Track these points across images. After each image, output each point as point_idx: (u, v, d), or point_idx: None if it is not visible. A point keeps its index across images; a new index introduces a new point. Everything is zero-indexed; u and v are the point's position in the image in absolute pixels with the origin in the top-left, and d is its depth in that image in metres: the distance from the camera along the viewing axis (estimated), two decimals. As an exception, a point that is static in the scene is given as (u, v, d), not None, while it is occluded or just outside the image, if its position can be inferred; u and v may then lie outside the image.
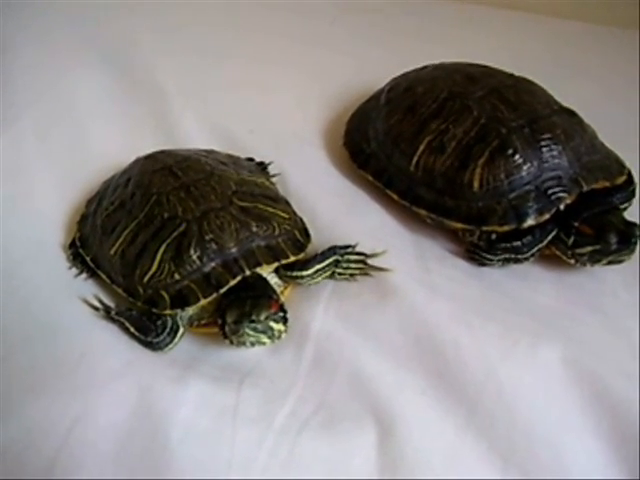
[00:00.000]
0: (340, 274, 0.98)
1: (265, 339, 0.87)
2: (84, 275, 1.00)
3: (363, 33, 1.49)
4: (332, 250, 0.97)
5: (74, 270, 1.01)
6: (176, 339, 0.91)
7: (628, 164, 1.02)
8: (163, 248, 0.92)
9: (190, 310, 0.91)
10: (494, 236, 0.98)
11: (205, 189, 0.96)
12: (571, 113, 1.03)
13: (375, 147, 1.10)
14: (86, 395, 0.85)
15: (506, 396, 0.85)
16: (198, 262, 0.90)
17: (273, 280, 0.94)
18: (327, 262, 0.96)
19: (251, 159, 1.13)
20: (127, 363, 0.89)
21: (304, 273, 0.95)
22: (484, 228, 0.98)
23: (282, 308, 0.88)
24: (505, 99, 1.02)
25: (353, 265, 0.98)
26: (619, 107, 1.24)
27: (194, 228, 0.92)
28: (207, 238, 0.91)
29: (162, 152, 1.06)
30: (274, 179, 1.11)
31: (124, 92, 1.30)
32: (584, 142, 1.00)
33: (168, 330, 0.91)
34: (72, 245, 1.03)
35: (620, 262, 0.95)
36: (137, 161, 1.06)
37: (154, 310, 0.91)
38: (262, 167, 1.13)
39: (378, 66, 1.26)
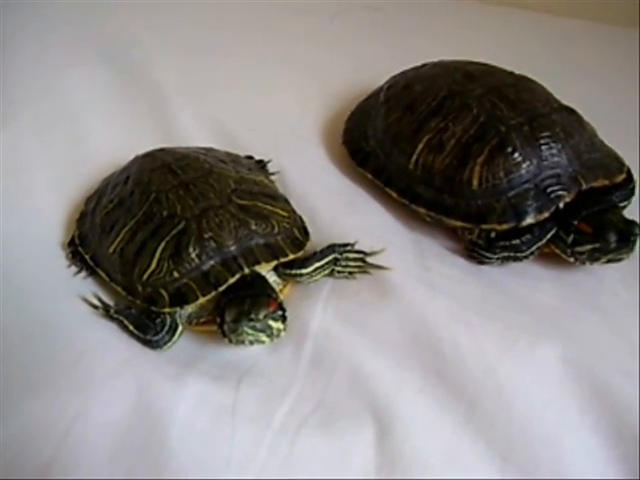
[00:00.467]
0: (339, 272, 0.98)
1: (264, 338, 0.86)
2: (83, 273, 1.00)
3: (363, 31, 1.49)
4: (331, 248, 0.97)
5: (73, 268, 1.01)
6: (175, 337, 0.91)
7: (627, 162, 1.02)
8: (162, 246, 0.92)
9: (189, 308, 0.91)
10: (493, 234, 0.98)
11: (204, 187, 0.96)
12: (571, 111, 1.03)
13: (374, 145, 1.10)
14: (85, 393, 0.86)
15: (505, 394, 0.85)
16: (197, 260, 0.90)
17: (272, 278, 0.94)
18: (326, 260, 0.96)
19: (250, 157, 1.13)
20: (126, 361, 0.89)
21: (303, 271, 0.95)
22: (483, 226, 0.98)
23: (281, 307, 0.88)
24: (504, 97, 1.02)
25: (352, 263, 0.98)
26: (619, 105, 1.25)
27: (193, 226, 0.92)
28: (206, 236, 0.91)
29: (161, 150, 1.06)
30: (273, 177, 1.11)
31: (123, 90, 1.31)
32: (583, 140, 1.00)
33: (167, 328, 0.91)
34: (71, 243, 1.03)
35: (619, 260, 0.95)
36: (136, 159, 1.06)
37: (153, 308, 0.90)
38: (261, 165, 1.13)
39: (377, 64, 1.26)
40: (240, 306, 0.86)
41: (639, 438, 0.82)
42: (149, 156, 1.05)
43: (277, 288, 0.94)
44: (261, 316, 0.85)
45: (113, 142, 1.19)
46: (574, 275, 0.99)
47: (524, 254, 0.98)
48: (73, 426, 0.82)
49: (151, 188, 0.97)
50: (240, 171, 1.02)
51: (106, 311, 0.94)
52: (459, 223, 1.00)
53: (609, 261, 0.95)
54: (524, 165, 0.97)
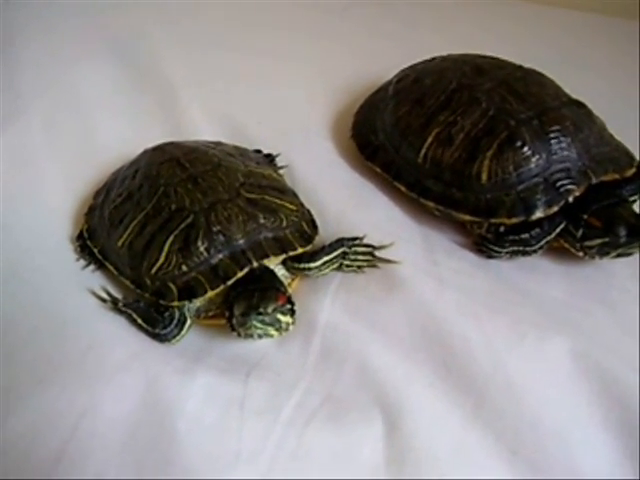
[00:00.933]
0: (348, 266, 0.98)
1: (273, 331, 0.86)
2: (92, 267, 1.00)
3: (371, 25, 1.48)
4: (340, 242, 0.97)
5: (81, 262, 1.01)
6: (183, 331, 0.91)
7: (638, 156, 1.01)
8: (171, 240, 0.92)
9: (197, 302, 0.91)
10: (502, 228, 0.98)
11: (212, 181, 0.96)
12: (580, 105, 1.02)
13: (383, 139, 1.10)
14: (93, 387, 0.86)
15: (514, 389, 0.85)
16: (205, 254, 0.90)
17: (280, 272, 0.94)
18: (335, 254, 0.96)
19: (259, 151, 1.13)
20: (134, 355, 0.89)
21: (312, 265, 0.95)
22: (492, 220, 0.97)
23: (290, 300, 0.88)
24: (514, 91, 1.02)
25: (361, 257, 0.98)
26: (628, 99, 1.24)
27: (202, 220, 0.91)
28: (215, 230, 0.91)
29: (170, 144, 1.06)
30: (281, 171, 1.11)
31: (132, 84, 1.30)
32: (593, 134, 1.00)
33: (175, 322, 0.91)
34: (80, 237, 1.03)
35: (629, 255, 0.94)
36: (145, 152, 1.06)
37: (162, 302, 0.90)
38: (270, 159, 1.13)
39: (386, 58, 1.25)
40: (249, 300, 0.86)
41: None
42: (158, 150, 1.05)
43: (286, 282, 0.93)
44: (270, 310, 0.85)
45: (122, 136, 1.19)
46: (583, 269, 0.98)
47: (533, 248, 0.97)
48: (82, 420, 0.83)
49: (160, 181, 0.97)
50: (248, 165, 1.02)
51: (114, 304, 0.94)
52: (468, 217, 0.99)
53: (619, 255, 0.94)
54: (533, 159, 0.96)
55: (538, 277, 0.98)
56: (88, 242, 1.01)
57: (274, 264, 0.93)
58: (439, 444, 0.82)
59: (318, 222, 1.00)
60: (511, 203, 0.96)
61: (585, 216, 0.95)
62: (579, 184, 0.95)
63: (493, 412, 0.84)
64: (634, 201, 0.99)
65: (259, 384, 0.87)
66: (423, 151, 1.03)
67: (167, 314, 0.91)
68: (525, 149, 0.96)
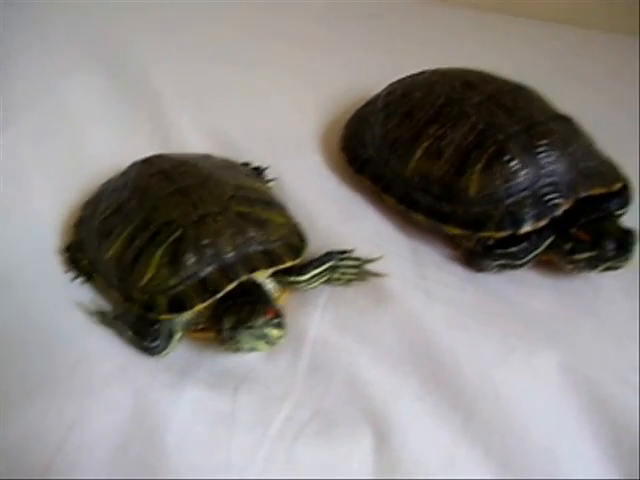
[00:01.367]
0: (337, 280, 0.97)
1: (262, 345, 0.86)
2: (80, 279, 0.99)
3: (361, 38, 1.48)
4: (329, 255, 0.97)
5: (70, 274, 1.00)
6: (172, 344, 0.91)
7: (625, 170, 1.02)
8: (160, 253, 0.91)
9: (187, 315, 0.90)
10: (491, 242, 0.98)
11: (202, 194, 0.95)
12: (568, 119, 1.03)
13: (372, 152, 1.10)
14: (82, 400, 0.85)
15: (503, 402, 0.85)
16: (194, 267, 0.90)
17: (270, 285, 0.93)
18: (324, 267, 0.96)
19: (247, 164, 1.13)
20: (123, 368, 0.89)
21: (301, 278, 0.95)
22: (481, 234, 0.98)
23: (279, 314, 0.87)
24: (502, 105, 1.02)
25: (350, 270, 0.98)
26: (616, 113, 1.24)
27: (191, 233, 0.91)
28: (204, 243, 0.90)
29: (159, 156, 1.06)
30: (270, 184, 1.11)
31: (121, 96, 1.30)
32: (581, 148, 1.00)
33: (164, 335, 0.90)
34: (68, 249, 1.02)
35: (617, 268, 0.95)
36: (134, 165, 1.05)
37: (150, 315, 0.90)
38: (258, 172, 1.13)
39: (376, 71, 1.25)
40: (238, 313, 0.85)
41: (638, 447, 0.82)
42: (146, 162, 1.04)
43: (275, 295, 0.93)
44: (259, 324, 0.84)
45: (111, 148, 1.18)
46: (572, 283, 0.99)
47: (521, 262, 0.98)
48: (70, 433, 0.82)
49: (148, 194, 0.97)
50: (238, 178, 1.02)
51: (103, 317, 0.94)
52: (457, 230, 0.99)
53: (607, 269, 0.95)
54: (522, 173, 0.97)
55: (526, 290, 0.98)
56: (77, 254, 1.01)
57: (263, 277, 0.93)
58: (428, 457, 0.82)
59: (307, 235, 0.99)
60: (499, 217, 0.97)
61: (573, 230, 0.95)
62: (567, 198, 0.96)
63: (482, 425, 0.84)
64: (621, 215, 0.99)
65: (248, 398, 0.87)
66: (412, 164, 1.03)
67: (156, 327, 0.90)
68: (513, 163, 0.97)
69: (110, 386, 0.87)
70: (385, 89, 1.17)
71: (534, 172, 0.97)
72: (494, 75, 1.11)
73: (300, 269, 0.95)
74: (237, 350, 0.86)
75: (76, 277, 1.00)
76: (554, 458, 0.82)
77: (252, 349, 0.86)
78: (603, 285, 0.98)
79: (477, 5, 1.56)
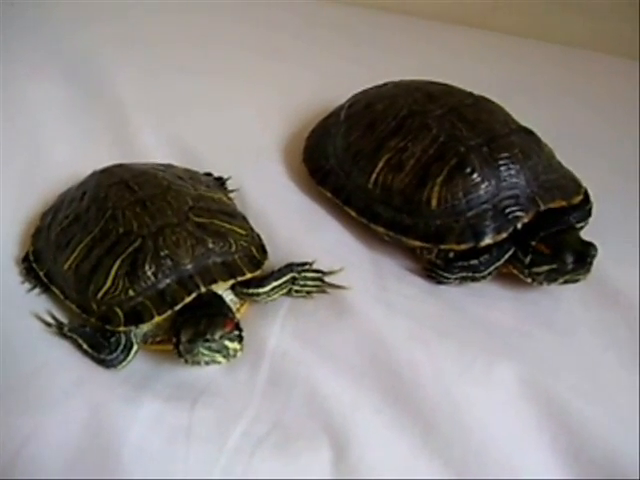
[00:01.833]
0: (297, 292, 0.97)
1: (220, 358, 0.85)
2: (37, 290, 0.98)
3: (327, 48, 1.48)
4: (289, 267, 0.96)
5: (27, 285, 0.99)
6: (130, 357, 0.89)
7: (584, 183, 1.03)
8: (118, 264, 0.90)
9: (144, 327, 0.90)
10: (452, 254, 0.98)
11: (161, 204, 0.95)
12: (529, 132, 1.04)
13: (334, 163, 1.10)
14: (36, 413, 0.84)
15: (462, 415, 0.85)
16: (153, 278, 0.89)
17: (229, 297, 0.93)
18: (284, 279, 0.95)
19: (209, 174, 1.12)
20: (79, 381, 0.88)
21: (260, 290, 0.94)
22: (442, 246, 0.98)
23: (238, 326, 0.87)
24: (464, 118, 1.03)
25: (310, 282, 0.97)
26: (577, 126, 1.26)
27: (149, 244, 0.90)
28: (162, 254, 0.90)
29: (119, 166, 1.05)
30: (232, 194, 1.10)
31: (83, 104, 1.29)
32: (541, 161, 1.01)
33: (122, 347, 0.89)
34: (25, 259, 1.01)
35: (576, 281, 0.95)
36: (93, 174, 1.04)
37: (108, 327, 0.89)
38: (220, 182, 1.12)
39: (341, 82, 1.25)
40: (196, 326, 0.85)
41: (596, 458, 0.82)
42: (106, 172, 1.03)
43: (234, 307, 0.92)
44: (217, 336, 0.84)
45: (71, 157, 1.17)
46: (531, 295, 0.99)
47: (482, 274, 0.98)
48: (24, 447, 0.81)
49: (107, 204, 0.96)
50: (198, 188, 1.01)
51: (60, 329, 0.92)
52: (418, 243, 0.99)
53: (566, 282, 0.96)
54: (483, 186, 0.97)
55: (487, 302, 0.98)
56: (34, 265, 0.99)
57: (222, 289, 0.92)
58: (387, 471, 0.82)
59: (268, 247, 0.99)
60: (460, 229, 0.97)
61: (533, 243, 0.96)
62: (527, 211, 0.97)
63: (441, 438, 0.84)
64: (581, 228, 1.01)
65: (206, 412, 0.86)
66: (374, 176, 1.03)
67: (113, 339, 0.89)
68: (474, 176, 0.97)
69: (66, 399, 0.85)
70: (348, 101, 1.17)
71: (495, 185, 0.98)
72: (457, 88, 1.11)
73: (260, 281, 0.94)
74: (195, 363, 0.85)
75: (33, 288, 0.98)
76: (513, 469, 0.82)
77: (210, 362, 0.85)
78: (562, 297, 0.99)
79: (446, 18, 1.56)
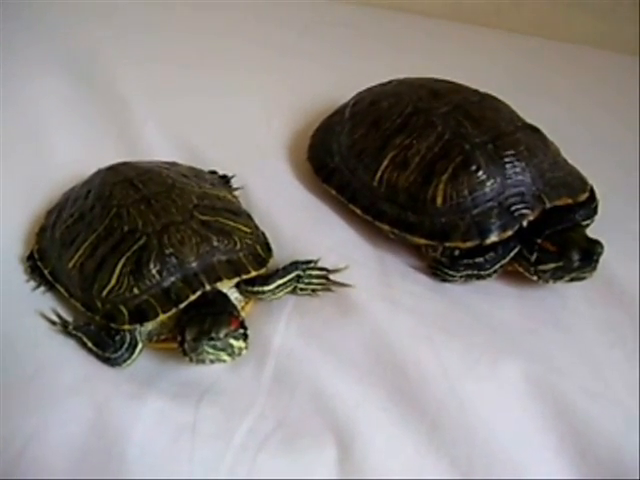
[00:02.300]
0: (302, 289, 0.97)
1: (225, 356, 0.85)
2: (42, 288, 0.98)
3: (333, 46, 1.48)
4: (294, 265, 0.96)
5: (32, 283, 0.99)
6: (134, 355, 0.89)
7: (590, 181, 1.03)
8: (122, 262, 0.90)
9: (149, 325, 0.90)
10: (457, 252, 0.98)
11: (166, 202, 0.95)
12: (534, 130, 1.03)
13: (339, 161, 1.10)
14: (41, 411, 0.84)
15: (468, 412, 0.85)
16: (158, 276, 0.89)
17: (234, 295, 0.93)
18: (289, 277, 0.95)
19: (214, 172, 1.12)
20: (84, 379, 0.88)
21: (265, 288, 0.94)
22: (447, 244, 0.98)
23: (242, 325, 0.87)
24: (469, 115, 1.02)
25: (315, 280, 0.97)
26: (582, 124, 1.25)
27: (154, 242, 0.90)
28: (167, 252, 0.90)
29: (123, 164, 1.04)
30: (237, 192, 1.10)
31: (86, 102, 1.28)
32: (547, 159, 1.01)
33: (126, 345, 0.89)
34: (30, 257, 1.01)
35: (582, 279, 0.95)
36: (98, 173, 1.04)
37: (112, 325, 0.89)
38: (225, 180, 1.12)
39: (346, 80, 1.24)
40: (201, 324, 0.84)
41: (602, 457, 0.82)
42: (111, 170, 1.03)
43: (239, 305, 0.92)
44: (222, 335, 0.84)
45: (76, 155, 1.17)
46: (537, 293, 0.99)
47: (487, 272, 0.98)
48: (28, 446, 0.81)
49: (112, 202, 0.96)
50: (203, 186, 1.01)
51: (64, 327, 0.92)
52: (423, 240, 0.99)
53: (572, 280, 0.95)
54: (488, 183, 0.97)
55: (492, 300, 0.98)
56: (39, 263, 0.99)
57: (227, 287, 0.92)
58: (392, 468, 0.82)
59: (273, 245, 0.99)
60: (466, 227, 0.97)
61: (539, 240, 0.95)
62: (533, 209, 0.96)
63: (447, 436, 0.84)
64: (587, 225, 1.00)
65: (211, 409, 0.86)
66: (379, 174, 1.03)
67: (118, 337, 0.89)
68: (480, 173, 0.97)
69: (70, 397, 0.85)
70: (352, 98, 1.17)
71: (500, 182, 0.97)
72: (462, 85, 1.11)
73: (265, 279, 0.94)
74: (200, 361, 0.85)
75: (38, 286, 0.98)
76: (518, 468, 0.82)
77: (215, 360, 0.85)
78: (568, 295, 0.98)
79: (451, 16, 1.56)
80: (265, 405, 0.86)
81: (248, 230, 0.97)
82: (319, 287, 0.97)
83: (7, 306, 0.96)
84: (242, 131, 1.24)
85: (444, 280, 0.99)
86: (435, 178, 0.99)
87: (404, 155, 1.02)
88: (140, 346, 0.90)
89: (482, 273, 0.98)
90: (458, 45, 1.48)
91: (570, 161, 1.04)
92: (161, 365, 0.91)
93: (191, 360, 0.85)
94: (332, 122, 1.17)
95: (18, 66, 1.34)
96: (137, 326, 0.89)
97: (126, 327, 0.89)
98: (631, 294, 0.98)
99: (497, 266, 0.97)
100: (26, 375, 0.87)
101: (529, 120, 1.05)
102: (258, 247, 0.96)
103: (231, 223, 0.96)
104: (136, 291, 0.89)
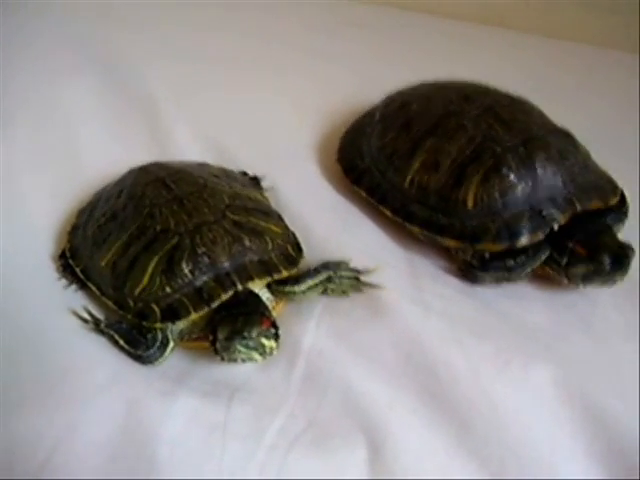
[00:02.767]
0: (333, 290, 0.97)
1: (257, 356, 0.86)
2: (73, 287, 0.99)
3: (362, 48, 1.47)
4: (325, 266, 0.96)
5: (63, 281, 0.99)
6: (166, 353, 0.90)
7: (620, 185, 1.02)
8: (155, 261, 0.91)
9: (181, 324, 0.90)
10: (487, 255, 0.98)
11: (198, 202, 0.95)
12: (565, 133, 1.03)
13: (369, 163, 1.10)
14: (72, 409, 0.84)
15: (498, 416, 0.85)
16: (190, 276, 0.89)
17: (265, 295, 0.93)
18: (320, 278, 0.95)
19: (245, 173, 1.13)
20: (115, 377, 0.88)
21: (297, 289, 0.94)
22: (477, 246, 0.98)
23: (274, 324, 0.87)
24: (500, 118, 1.02)
25: (346, 281, 0.97)
26: (613, 128, 1.25)
27: (187, 241, 0.91)
28: (199, 252, 0.90)
29: (155, 164, 1.05)
30: (267, 193, 1.10)
31: (116, 100, 1.29)
32: (578, 162, 1.00)
33: (158, 344, 0.90)
34: (62, 256, 1.01)
35: (613, 283, 0.94)
36: (130, 172, 1.05)
37: (144, 323, 0.89)
38: (255, 181, 1.12)
39: (375, 82, 1.25)
40: (233, 324, 0.85)
41: (632, 460, 0.81)
42: (143, 170, 1.04)
43: (270, 305, 0.92)
44: (254, 334, 0.84)
45: (106, 154, 1.18)
46: (567, 297, 0.98)
47: (518, 275, 0.98)
48: (59, 444, 0.81)
49: (145, 202, 0.97)
50: (234, 186, 1.02)
51: (96, 325, 0.93)
52: (453, 242, 0.99)
53: (603, 283, 0.95)
54: (519, 186, 0.97)
55: (522, 304, 0.98)
56: (70, 261, 0.99)
57: (259, 287, 0.92)
58: (423, 469, 0.82)
59: (303, 245, 0.99)
60: (496, 230, 0.97)
61: (570, 244, 0.95)
62: (564, 212, 0.96)
63: (477, 438, 0.84)
64: (618, 229, 1.00)
65: (242, 408, 0.86)
66: (409, 176, 1.03)
67: (150, 336, 0.90)
68: (511, 176, 0.97)
69: (101, 395, 0.85)
70: (383, 101, 1.17)
71: (532, 186, 0.97)
72: (493, 88, 1.11)
73: (296, 279, 0.94)
74: (232, 360, 0.86)
75: (69, 284, 0.99)
76: (549, 471, 0.82)
77: (247, 359, 0.86)
78: (599, 300, 0.98)
79: (478, 18, 1.56)
80: (295, 405, 0.86)
81: (279, 230, 0.97)
82: (350, 288, 0.97)
83: (38, 304, 0.96)
84: (271, 132, 1.24)
85: (474, 282, 0.99)
86: (466, 180, 0.99)
87: (435, 157, 1.02)
88: (172, 344, 0.90)
89: (512, 276, 0.98)
90: (489, 47, 1.47)
91: (600, 164, 1.04)
92: (192, 364, 0.91)
93: (223, 359, 0.86)
94: (362, 124, 1.17)
95: (48, 66, 1.35)
96: (169, 324, 0.89)
97: (158, 325, 0.89)
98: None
99: (527, 269, 0.97)
100: (58, 372, 0.88)
101: (559, 124, 1.05)
102: (289, 247, 0.96)
103: (262, 223, 0.96)
104: (168, 290, 0.89)
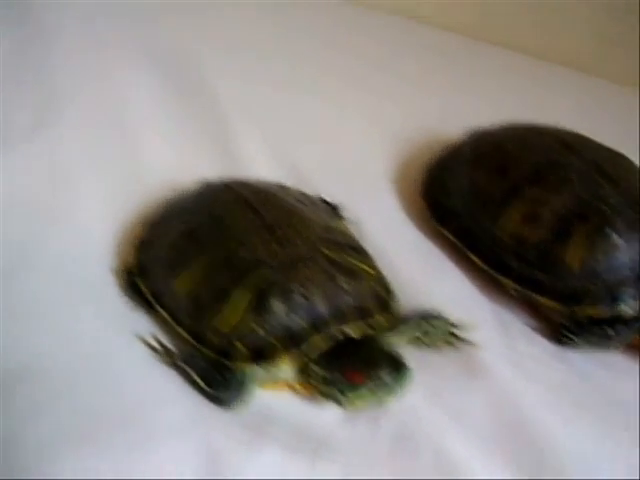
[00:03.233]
0: (423, 342, 0.90)
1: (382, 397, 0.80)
2: (141, 309, 0.89)
3: (442, 79, 1.41)
4: (420, 314, 0.90)
5: (128, 300, 0.90)
6: (246, 395, 0.81)
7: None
8: (242, 293, 0.82)
9: (267, 366, 0.81)
10: (584, 318, 0.93)
11: (289, 231, 0.87)
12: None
13: (458, 203, 1.04)
14: (139, 451, 0.75)
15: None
16: (283, 316, 0.81)
17: None
18: (414, 327, 0.89)
19: (325, 200, 1.04)
20: (190, 418, 0.79)
21: (390, 335, 0.86)
22: (576, 309, 0.93)
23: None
24: (606, 174, 0.97)
25: (440, 334, 0.91)
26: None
27: (280, 276, 0.83)
28: (294, 290, 0.82)
29: (236, 181, 0.97)
30: (349, 225, 1.02)
31: (183, 105, 1.19)
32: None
33: (238, 385, 0.81)
34: (126, 272, 0.92)
35: None
36: (207, 187, 0.97)
37: (229, 362, 0.81)
38: (335, 211, 1.04)
39: (459, 115, 1.20)
40: (382, 361, 0.80)
41: None
42: (221, 185, 0.96)
43: None
44: (384, 375, 0.78)
45: (168, 160, 1.09)
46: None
47: (615, 343, 0.93)
48: None
49: (229, 224, 0.89)
50: (321, 216, 0.94)
51: (169, 357, 0.84)
52: (551, 302, 0.94)
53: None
54: (625, 250, 0.92)
55: (615, 375, 0.92)
56: (138, 280, 0.90)
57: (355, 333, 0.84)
58: None
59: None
60: (598, 293, 0.92)
61: None
62: (670, 282, 0.91)
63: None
64: None
65: (328, 467, 0.78)
66: (504, 224, 0.98)
67: (228, 376, 0.81)
68: (618, 239, 0.92)
69: (174, 437, 0.77)
70: (470, 137, 1.11)
71: (638, 250, 0.92)
72: (588, 138, 1.06)
73: (389, 327, 0.87)
74: (351, 405, 0.80)
75: (136, 307, 0.90)
76: None
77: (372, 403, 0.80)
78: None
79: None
80: (384, 466, 0.79)
81: (372, 272, 0.89)
82: (443, 342, 0.91)
83: (99, 326, 0.87)
84: (346, 157, 1.17)
85: (567, 346, 0.94)
86: (570, 239, 0.94)
87: (535, 209, 0.96)
88: (252, 387, 0.81)
89: (609, 343, 0.93)
90: (567, 90, 1.42)
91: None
92: (273, 410, 0.83)
93: (340, 404, 0.80)
94: (449, 159, 1.10)
95: (112, 54, 1.25)
96: (255, 366, 0.81)
97: (243, 366, 0.81)
98: None
99: (626, 338, 0.93)
100: (124, 407, 0.78)
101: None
102: (382, 291, 0.89)
103: (357, 263, 0.88)
104: (257, 328, 0.81)
